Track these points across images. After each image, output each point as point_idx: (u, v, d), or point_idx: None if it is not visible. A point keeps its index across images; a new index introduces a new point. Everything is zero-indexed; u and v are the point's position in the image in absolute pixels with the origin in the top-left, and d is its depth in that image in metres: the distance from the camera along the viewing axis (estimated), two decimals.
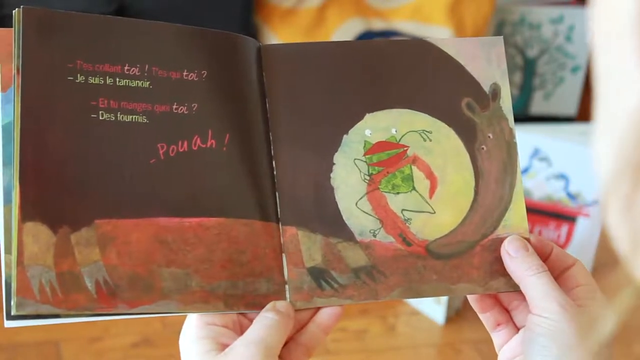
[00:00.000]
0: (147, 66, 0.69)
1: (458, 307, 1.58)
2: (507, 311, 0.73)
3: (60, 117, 0.66)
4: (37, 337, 1.44)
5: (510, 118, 0.74)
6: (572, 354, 0.64)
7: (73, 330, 1.46)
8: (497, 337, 0.72)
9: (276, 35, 1.83)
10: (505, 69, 0.75)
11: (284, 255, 0.70)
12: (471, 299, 0.73)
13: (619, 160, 0.37)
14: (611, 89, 0.39)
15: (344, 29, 1.87)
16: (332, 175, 0.72)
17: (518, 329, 0.71)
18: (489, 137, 0.74)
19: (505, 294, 0.72)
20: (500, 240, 0.72)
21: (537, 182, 1.72)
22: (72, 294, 0.63)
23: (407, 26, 1.91)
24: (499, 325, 0.72)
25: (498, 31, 2.06)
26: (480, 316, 0.73)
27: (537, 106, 2.14)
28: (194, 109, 0.70)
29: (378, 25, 1.91)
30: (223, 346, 0.65)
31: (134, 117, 0.68)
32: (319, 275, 0.70)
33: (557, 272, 0.70)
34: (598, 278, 0.68)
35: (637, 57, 0.36)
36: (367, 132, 0.73)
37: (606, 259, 1.67)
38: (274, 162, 0.71)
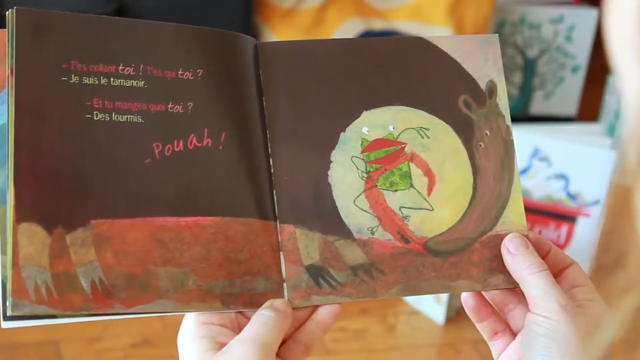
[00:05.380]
0: (141, 66, 0.68)
1: (458, 307, 1.58)
2: (503, 320, 0.72)
3: (54, 118, 0.65)
4: (37, 337, 1.44)
5: (507, 115, 0.74)
6: (573, 355, 0.64)
7: (73, 330, 1.46)
8: (495, 345, 0.72)
9: (276, 35, 1.83)
10: (501, 67, 0.75)
11: (281, 253, 0.70)
12: (468, 308, 0.73)
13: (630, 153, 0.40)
14: (623, 86, 0.42)
15: (343, 29, 1.87)
16: (329, 172, 0.71)
17: (515, 335, 0.71)
18: (486, 134, 0.74)
19: (500, 297, 0.72)
20: (499, 237, 0.72)
21: (537, 182, 1.72)
22: (68, 294, 0.63)
23: (407, 26, 1.91)
24: (496, 334, 0.72)
25: (498, 31, 2.05)
26: (477, 325, 0.73)
27: (537, 106, 2.14)
28: (190, 107, 0.69)
29: (378, 25, 1.90)
30: (221, 345, 0.65)
31: (128, 116, 0.68)
32: (317, 273, 0.70)
33: (555, 271, 0.69)
34: (597, 279, 0.68)
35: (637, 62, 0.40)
36: (365, 129, 0.72)
37: (606, 259, 1.67)
38: (271, 160, 0.71)
